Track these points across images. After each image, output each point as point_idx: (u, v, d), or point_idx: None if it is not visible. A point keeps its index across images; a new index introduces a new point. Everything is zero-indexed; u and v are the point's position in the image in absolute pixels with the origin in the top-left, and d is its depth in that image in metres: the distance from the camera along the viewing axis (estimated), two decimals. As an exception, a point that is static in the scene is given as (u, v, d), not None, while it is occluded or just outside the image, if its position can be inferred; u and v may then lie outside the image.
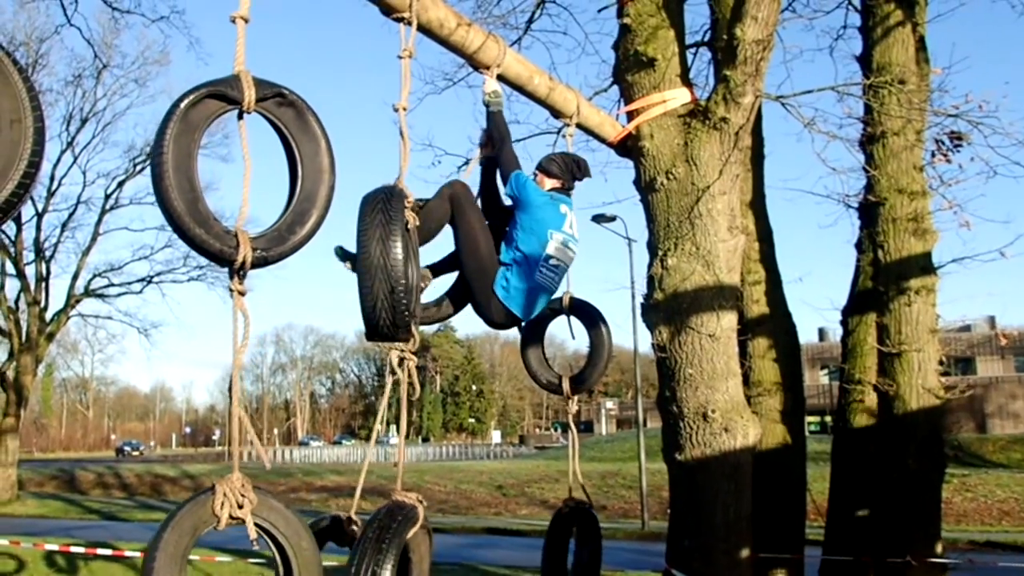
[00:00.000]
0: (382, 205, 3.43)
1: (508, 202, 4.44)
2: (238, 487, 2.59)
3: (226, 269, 2.69)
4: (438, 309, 4.43)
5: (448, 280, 4.46)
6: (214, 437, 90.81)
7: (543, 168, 4.60)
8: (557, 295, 4.91)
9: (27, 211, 27.00)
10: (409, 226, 3.48)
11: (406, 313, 3.37)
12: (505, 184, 4.39)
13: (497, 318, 4.30)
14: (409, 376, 3.55)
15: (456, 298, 4.43)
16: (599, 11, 8.82)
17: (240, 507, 2.58)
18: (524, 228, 4.28)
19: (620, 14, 6.43)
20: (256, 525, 2.63)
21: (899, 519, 7.00)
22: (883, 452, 7.18)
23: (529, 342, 5.15)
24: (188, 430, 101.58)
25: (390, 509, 3.25)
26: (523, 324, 4.58)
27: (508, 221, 4.41)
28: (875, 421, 7.35)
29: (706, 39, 8.23)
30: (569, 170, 4.60)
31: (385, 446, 61.82)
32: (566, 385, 5.07)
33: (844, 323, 7.80)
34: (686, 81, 6.29)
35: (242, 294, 2.66)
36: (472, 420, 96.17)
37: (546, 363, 5.21)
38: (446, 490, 29.93)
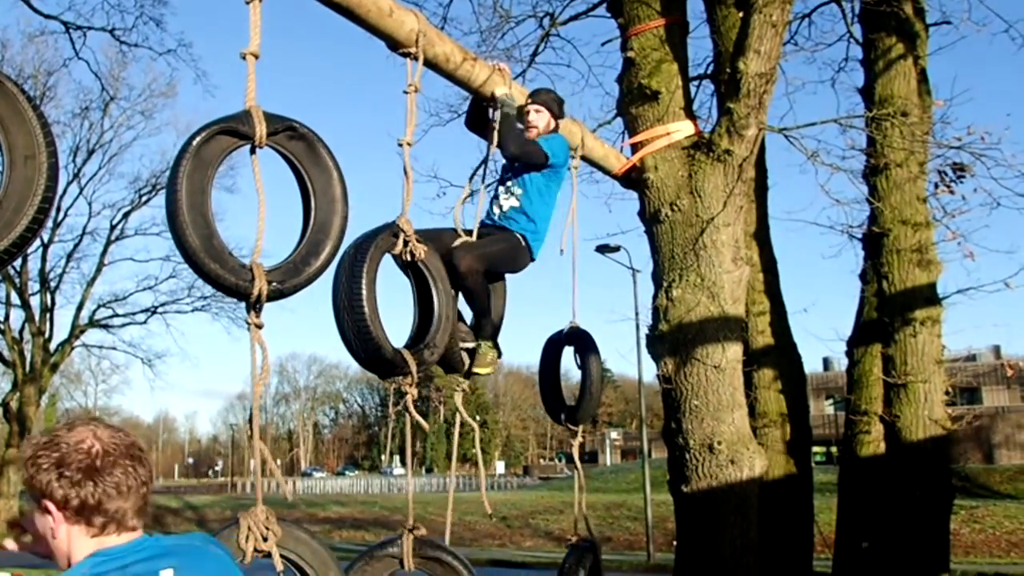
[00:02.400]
0: (351, 251, 3.46)
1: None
2: (262, 520, 2.61)
3: (242, 303, 2.71)
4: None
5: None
6: (216, 468, 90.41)
7: (552, 111, 4.63)
8: (562, 326, 4.98)
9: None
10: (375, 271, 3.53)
11: (375, 353, 3.38)
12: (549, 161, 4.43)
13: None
14: (408, 410, 3.58)
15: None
16: (603, 44, 8.92)
17: (265, 540, 2.59)
18: (557, 183, 4.50)
19: (624, 48, 6.51)
20: (282, 557, 2.64)
21: (907, 551, 6.94)
22: (890, 483, 7.14)
23: (546, 375, 5.16)
24: (190, 461, 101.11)
25: None
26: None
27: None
28: (882, 452, 7.31)
29: (709, 72, 8.31)
30: (561, 109, 4.73)
31: (388, 477, 61.47)
32: (566, 418, 5.06)
33: (849, 354, 7.79)
34: (690, 113, 6.34)
35: (259, 327, 2.69)
36: (476, 451, 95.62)
37: (558, 396, 5.20)
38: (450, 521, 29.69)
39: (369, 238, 3.49)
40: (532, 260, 4.46)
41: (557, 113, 4.64)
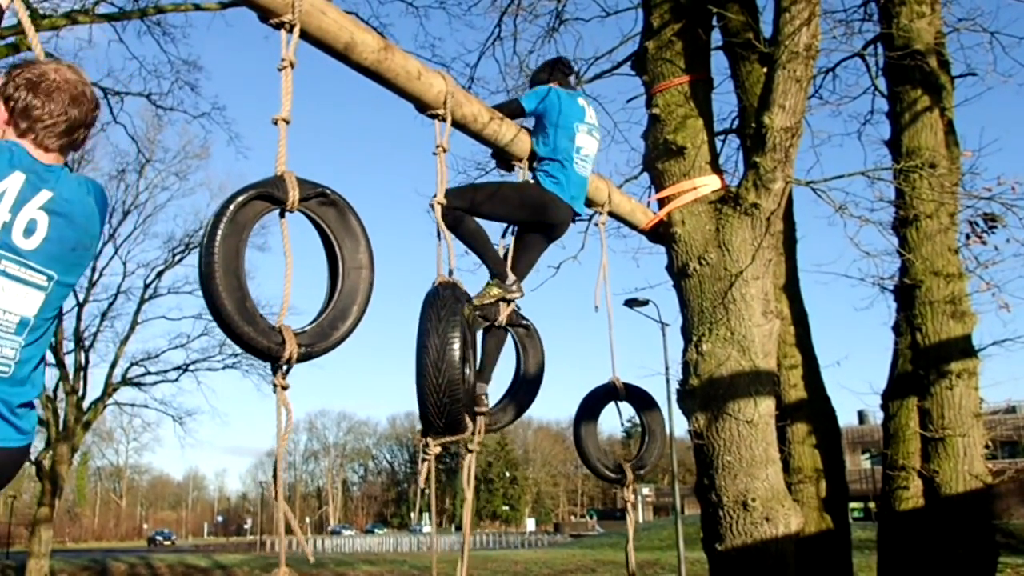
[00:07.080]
0: (443, 302, 3.48)
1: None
2: None
3: (268, 363, 2.73)
4: (503, 413, 4.48)
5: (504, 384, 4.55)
6: (245, 526, 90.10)
7: (537, 81, 4.86)
8: (607, 380, 5.04)
9: (68, 302, 27.58)
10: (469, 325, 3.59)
11: (459, 409, 3.39)
12: (526, 112, 4.64)
13: (560, 216, 4.55)
14: (427, 459, 3.60)
15: (519, 404, 4.52)
16: (628, 101, 9.00)
17: None
18: (553, 125, 4.57)
19: (649, 104, 6.58)
20: None
21: (951, 612, 6.74)
22: (931, 540, 6.96)
23: (585, 434, 5.17)
24: (220, 519, 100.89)
25: None
26: (577, 216, 4.74)
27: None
28: (921, 508, 7.14)
29: (734, 126, 8.35)
30: (559, 71, 4.86)
31: (417, 534, 60.84)
32: (629, 472, 5.07)
33: (885, 407, 7.66)
34: (716, 168, 6.37)
35: (285, 388, 2.70)
36: (506, 507, 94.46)
37: (604, 453, 5.25)
38: (480, 581, 29.25)
39: (459, 295, 3.54)
40: (557, 198, 4.49)
41: (540, 81, 4.83)
